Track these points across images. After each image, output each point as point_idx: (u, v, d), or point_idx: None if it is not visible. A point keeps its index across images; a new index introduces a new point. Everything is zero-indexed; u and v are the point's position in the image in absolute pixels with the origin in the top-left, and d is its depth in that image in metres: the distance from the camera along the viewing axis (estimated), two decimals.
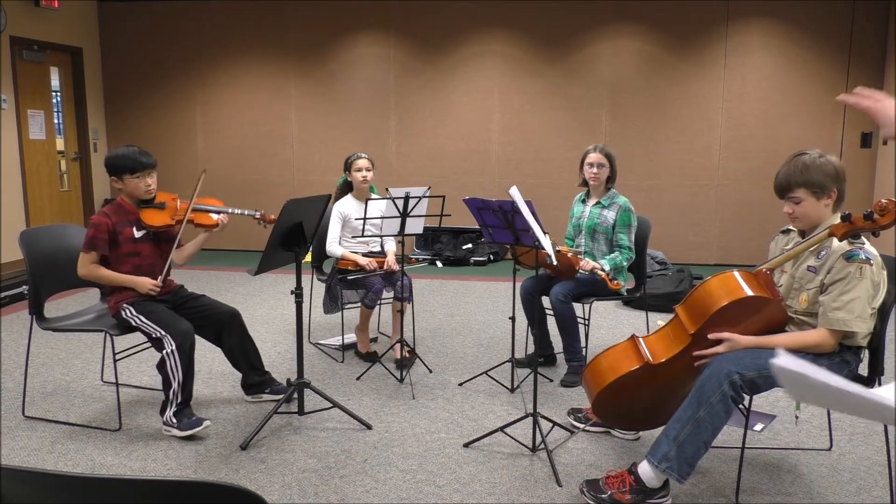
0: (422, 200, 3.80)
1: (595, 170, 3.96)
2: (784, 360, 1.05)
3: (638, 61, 7.57)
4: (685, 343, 2.59)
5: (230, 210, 3.51)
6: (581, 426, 3.30)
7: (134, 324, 3.27)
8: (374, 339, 4.76)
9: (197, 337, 3.35)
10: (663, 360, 2.63)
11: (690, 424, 2.44)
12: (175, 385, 3.18)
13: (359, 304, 4.39)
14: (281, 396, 3.51)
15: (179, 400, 3.19)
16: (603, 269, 3.83)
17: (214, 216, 3.49)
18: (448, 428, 3.36)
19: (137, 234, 3.37)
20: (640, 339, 2.75)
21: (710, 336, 2.53)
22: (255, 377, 3.60)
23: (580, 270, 3.82)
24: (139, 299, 3.32)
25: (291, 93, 8.19)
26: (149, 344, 3.33)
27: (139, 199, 3.40)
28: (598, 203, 4.00)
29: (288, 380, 3.44)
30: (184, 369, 3.17)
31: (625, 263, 3.92)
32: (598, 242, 3.98)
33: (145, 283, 3.29)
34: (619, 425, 3.17)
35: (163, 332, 3.18)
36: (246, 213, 3.50)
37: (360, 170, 4.29)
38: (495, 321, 5.27)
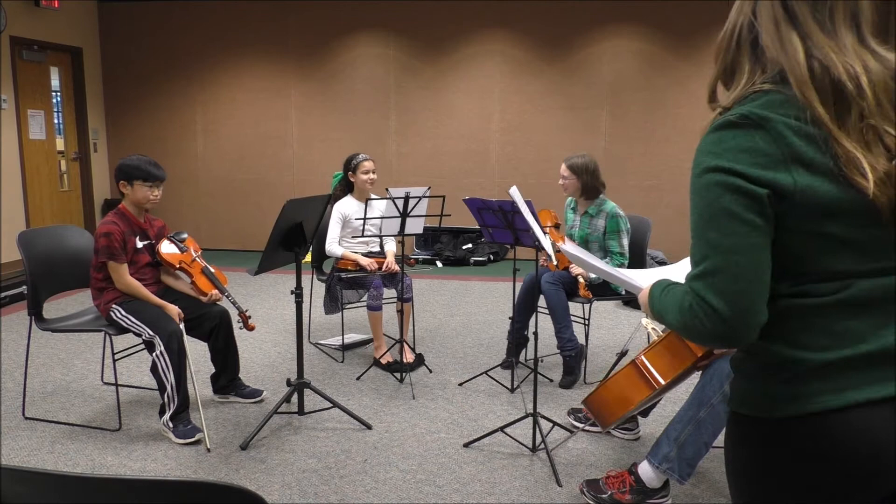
0: (422, 200, 3.79)
1: (561, 181, 3.98)
2: (568, 246, 1.73)
3: (638, 61, 7.57)
4: (692, 360, 2.50)
5: (227, 293, 3.52)
6: (581, 426, 3.30)
7: (124, 325, 3.27)
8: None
9: (191, 339, 3.35)
10: (671, 378, 2.56)
11: (691, 425, 2.44)
12: (169, 389, 3.18)
13: (359, 305, 4.39)
14: (247, 400, 3.66)
15: (176, 404, 3.19)
16: (587, 278, 3.85)
17: (213, 290, 3.49)
18: (448, 428, 3.36)
19: (139, 244, 3.40)
20: (645, 361, 2.50)
21: (717, 352, 2.50)
22: (225, 380, 3.64)
23: (568, 269, 3.87)
24: (126, 299, 3.33)
25: (291, 93, 8.18)
26: None
27: (143, 209, 3.43)
28: (586, 213, 3.99)
29: (288, 380, 3.44)
30: (175, 371, 3.17)
31: None
32: (592, 251, 3.99)
33: (174, 311, 3.31)
34: (621, 425, 3.17)
35: (151, 333, 3.19)
36: (236, 304, 3.49)
37: (367, 172, 4.29)
38: (495, 321, 5.27)
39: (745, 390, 1.19)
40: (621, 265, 3.93)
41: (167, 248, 3.47)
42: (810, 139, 1.07)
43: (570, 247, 1.70)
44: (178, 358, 3.18)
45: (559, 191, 4.07)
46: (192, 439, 3.16)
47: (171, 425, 3.19)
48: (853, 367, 1.09)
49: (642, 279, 1.50)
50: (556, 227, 3.99)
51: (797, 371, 1.11)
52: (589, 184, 3.91)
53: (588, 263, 1.66)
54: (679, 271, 1.76)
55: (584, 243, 3.98)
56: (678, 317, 1.15)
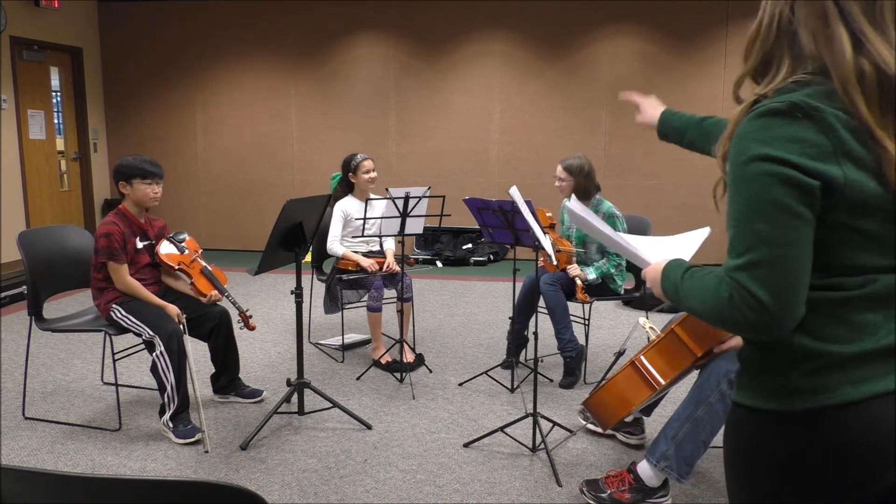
0: (422, 200, 3.80)
1: (557, 182, 3.98)
2: (573, 205, 1.59)
3: (638, 61, 7.57)
4: (691, 360, 2.49)
5: (226, 293, 3.50)
6: (593, 427, 3.29)
7: (125, 325, 3.28)
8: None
9: (191, 339, 3.36)
10: (671, 378, 2.55)
11: (689, 424, 2.44)
12: (169, 389, 3.18)
13: (359, 305, 4.39)
14: (247, 400, 3.66)
15: (176, 404, 3.19)
16: (585, 280, 3.84)
17: (212, 291, 3.46)
18: (448, 428, 3.36)
19: (139, 244, 3.41)
20: (644, 362, 2.48)
21: (717, 350, 2.49)
22: (225, 380, 3.65)
23: (566, 270, 3.87)
24: (126, 299, 3.33)
25: (291, 92, 8.19)
26: None
27: (144, 209, 3.44)
28: None
29: (288, 380, 3.44)
30: (175, 371, 3.17)
31: (612, 270, 3.92)
32: (590, 251, 4.00)
33: (173, 312, 3.31)
34: (627, 429, 3.17)
35: (151, 333, 3.20)
36: (237, 304, 3.45)
37: (367, 171, 4.29)
38: (495, 321, 5.27)
39: (759, 383, 1.16)
40: (619, 265, 3.93)
41: (166, 248, 3.47)
42: (856, 134, 1.06)
43: (574, 204, 1.62)
44: (178, 358, 3.18)
45: (559, 191, 4.07)
46: (192, 439, 3.16)
47: (171, 425, 3.19)
48: (871, 360, 1.10)
49: (648, 251, 1.47)
50: (552, 227, 3.98)
51: (820, 363, 1.10)
52: (583, 185, 3.92)
53: (591, 225, 1.59)
54: (680, 245, 1.71)
55: (582, 244, 3.99)
56: (712, 304, 1.12)
